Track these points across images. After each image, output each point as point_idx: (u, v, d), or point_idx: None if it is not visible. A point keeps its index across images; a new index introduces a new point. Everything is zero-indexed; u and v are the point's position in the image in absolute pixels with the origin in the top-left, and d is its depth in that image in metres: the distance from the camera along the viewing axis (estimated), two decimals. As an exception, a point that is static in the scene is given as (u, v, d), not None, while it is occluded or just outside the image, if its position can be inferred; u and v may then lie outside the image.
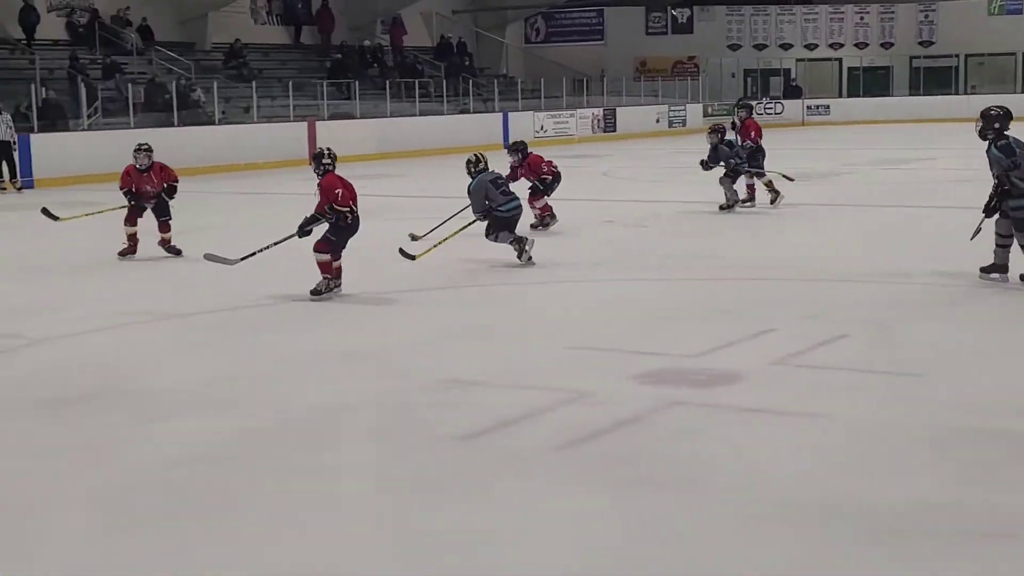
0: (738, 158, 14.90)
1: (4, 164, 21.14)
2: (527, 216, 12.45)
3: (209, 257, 10.35)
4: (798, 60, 43.98)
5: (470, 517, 4.82)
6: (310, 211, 9.72)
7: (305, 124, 27.02)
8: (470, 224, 11.63)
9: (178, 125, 24.71)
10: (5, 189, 20.99)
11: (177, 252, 12.29)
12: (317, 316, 9.16)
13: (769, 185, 15.17)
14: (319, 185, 9.61)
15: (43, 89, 23.66)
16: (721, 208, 15.01)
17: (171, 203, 12.32)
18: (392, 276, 10.65)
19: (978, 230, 9.60)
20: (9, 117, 21.44)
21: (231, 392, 6.84)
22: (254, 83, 27.75)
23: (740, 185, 15.21)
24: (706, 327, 8.35)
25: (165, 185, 12.26)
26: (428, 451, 5.69)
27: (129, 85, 25.01)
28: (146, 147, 12.39)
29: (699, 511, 4.85)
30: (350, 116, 28.97)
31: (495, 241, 11.25)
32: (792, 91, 42.88)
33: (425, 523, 4.76)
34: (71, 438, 6.03)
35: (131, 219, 12.25)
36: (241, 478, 5.37)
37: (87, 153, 22.39)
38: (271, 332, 8.64)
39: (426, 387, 6.82)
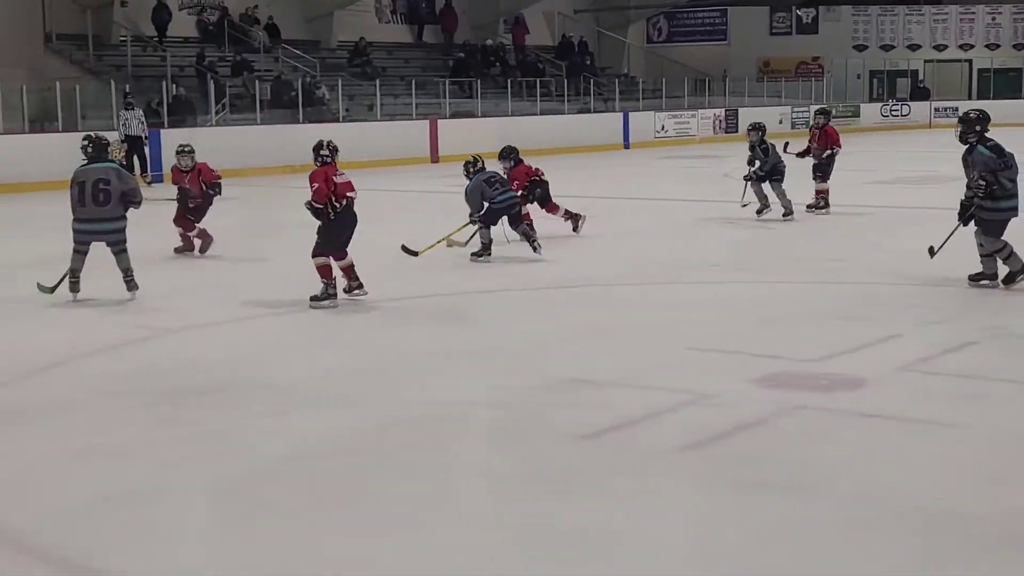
0: (762, 169, 14.24)
1: (135, 158, 21.68)
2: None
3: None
4: (926, 61, 43.06)
5: (590, 516, 4.83)
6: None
7: (427, 122, 27.26)
8: (472, 223, 11.73)
9: (303, 122, 25.09)
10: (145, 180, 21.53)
11: (190, 249, 12.25)
12: (440, 313, 9.24)
13: (822, 193, 14.79)
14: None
15: (174, 86, 24.23)
16: (758, 213, 14.37)
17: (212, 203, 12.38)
18: (513, 275, 10.70)
19: (946, 239, 9.64)
20: (141, 112, 22.00)
21: (355, 387, 6.93)
22: (378, 81, 28.07)
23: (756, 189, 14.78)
24: (828, 330, 8.24)
25: (203, 184, 12.24)
26: (549, 450, 5.71)
27: (256, 82, 25.47)
28: (188, 148, 12.50)
29: (820, 517, 4.80)
30: (471, 115, 29.13)
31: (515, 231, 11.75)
32: (919, 93, 42.01)
33: (545, 521, 4.77)
34: (196, 429, 6.16)
35: (179, 220, 12.29)
36: (363, 473, 5.44)
37: (215, 148, 22.71)
38: (395, 328, 8.73)
39: (548, 386, 6.84)
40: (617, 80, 35.16)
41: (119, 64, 25.62)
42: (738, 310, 9.14)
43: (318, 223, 9.22)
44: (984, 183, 9.22)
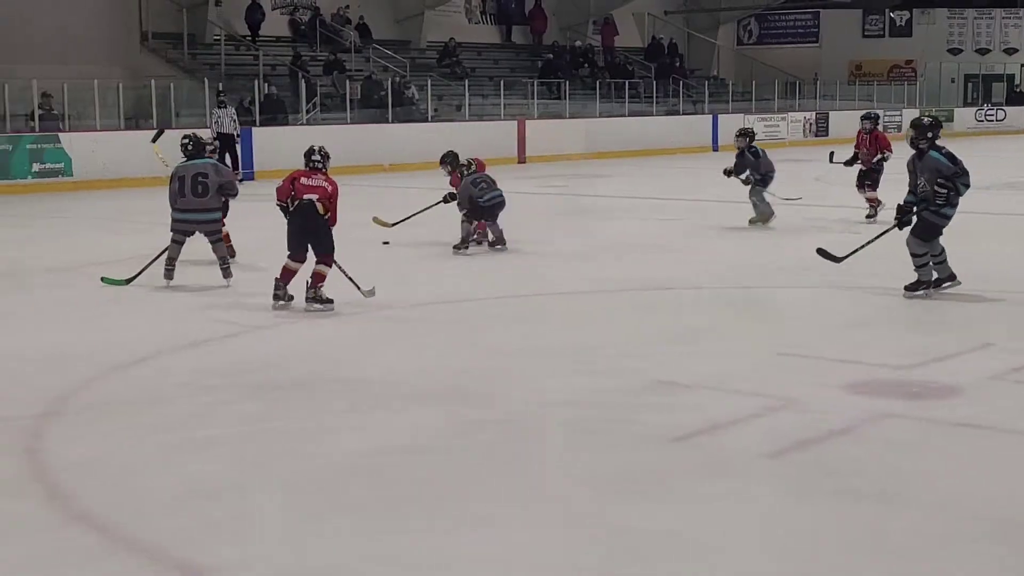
0: (756, 173, 14.03)
1: (227, 156, 21.97)
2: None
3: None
4: (1023, 65, 42.26)
5: (677, 519, 4.79)
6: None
7: (515, 123, 27.32)
8: (440, 204, 12.64)
9: (392, 121, 25.27)
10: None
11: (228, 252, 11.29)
12: (529, 312, 9.25)
13: (872, 201, 14.49)
14: None
15: (266, 84, 24.53)
16: (751, 223, 14.16)
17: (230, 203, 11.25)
18: (599, 277, 10.68)
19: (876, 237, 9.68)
20: (233, 111, 22.30)
21: (440, 386, 6.94)
22: (466, 81, 28.19)
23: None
24: (919, 338, 8.13)
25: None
26: (636, 451, 5.68)
27: (347, 81, 25.68)
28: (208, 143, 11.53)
29: (910, 526, 4.72)
30: (559, 116, 29.15)
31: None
32: (1016, 98, 41.23)
33: (630, 523, 4.75)
34: (282, 425, 6.21)
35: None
36: (449, 469, 5.45)
37: (305, 147, 23.06)
38: (484, 326, 8.76)
39: (636, 387, 6.82)
40: (706, 82, 34.95)
41: (213, 63, 25.99)
42: (828, 315, 9.04)
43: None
44: (944, 191, 9.16)
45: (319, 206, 8.96)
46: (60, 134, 20.58)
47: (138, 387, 7.00)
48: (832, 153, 14.70)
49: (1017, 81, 42.10)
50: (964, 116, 38.92)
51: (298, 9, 29.58)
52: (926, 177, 9.27)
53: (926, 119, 9.59)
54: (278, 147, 22.63)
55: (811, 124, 34.84)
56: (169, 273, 10.08)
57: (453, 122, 27.06)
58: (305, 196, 8.98)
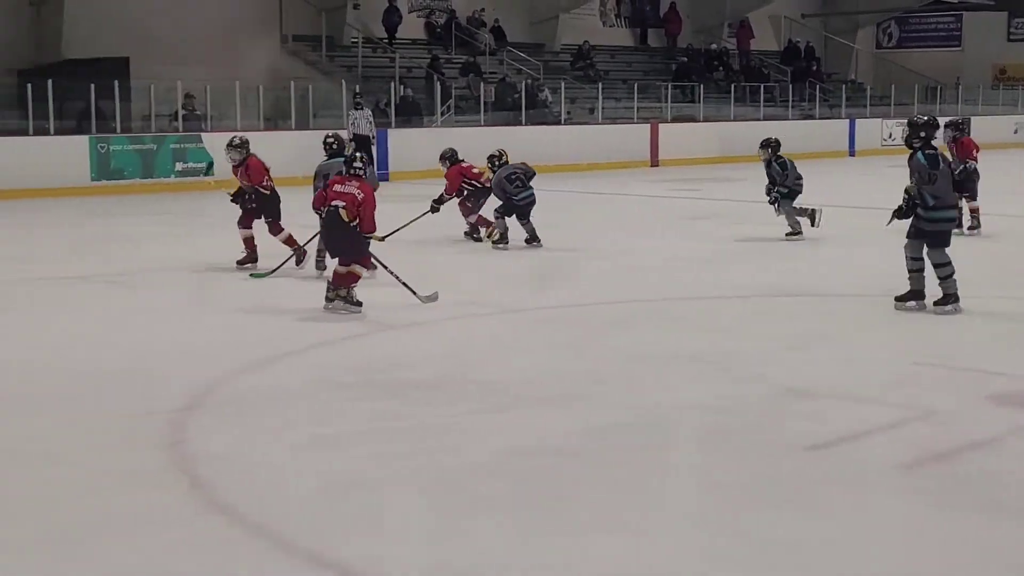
0: (782, 187, 13.33)
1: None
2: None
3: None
4: None
5: (809, 528, 4.73)
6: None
7: (648, 126, 27.21)
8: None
9: (525, 124, 25.36)
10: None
11: (253, 260, 11.24)
12: (658, 315, 9.21)
13: (975, 212, 13.95)
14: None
15: (401, 87, 24.81)
16: (787, 236, 13.50)
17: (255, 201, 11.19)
18: (735, 282, 10.58)
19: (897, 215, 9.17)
20: (370, 112, 22.60)
21: (572, 388, 6.95)
22: (600, 84, 28.16)
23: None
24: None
25: (249, 184, 11.14)
26: (770, 459, 5.61)
27: (481, 84, 25.84)
28: (238, 142, 11.31)
29: (1057, 544, 4.60)
30: (692, 119, 28.95)
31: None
32: None
33: (762, 531, 4.69)
34: (415, 423, 6.28)
35: (245, 220, 11.26)
36: (582, 472, 5.45)
37: (439, 149, 23.24)
38: (614, 329, 8.73)
39: (770, 394, 6.75)
40: (844, 86, 34.40)
41: (350, 65, 26.37)
42: (968, 325, 8.81)
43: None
44: (908, 196, 8.99)
45: (343, 213, 9.00)
46: (202, 134, 21.08)
47: (274, 383, 7.14)
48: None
49: None
50: (1114, 121, 37.63)
51: (434, 12, 29.86)
52: (914, 178, 9.10)
53: (920, 118, 9.30)
54: (413, 149, 22.89)
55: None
56: (320, 264, 10.64)
57: (586, 125, 27.06)
58: (332, 203, 9.07)
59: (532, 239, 12.76)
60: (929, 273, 9.03)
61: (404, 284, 9.29)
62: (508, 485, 5.27)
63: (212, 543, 4.62)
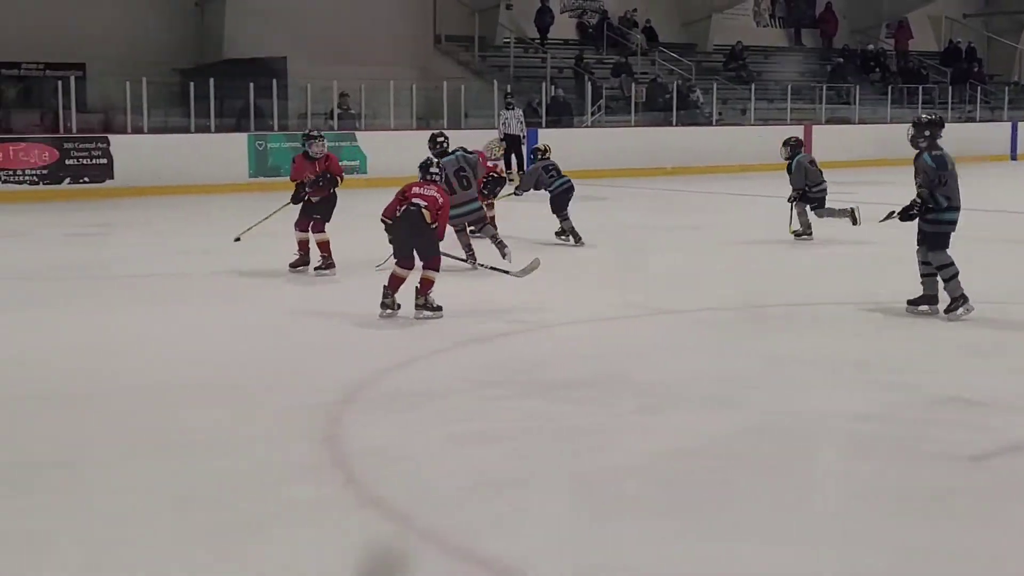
0: (806, 185, 13.18)
1: (513, 156, 22.42)
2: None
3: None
4: None
5: (964, 542, 4.62)
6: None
7: (801, 128, 26.81)
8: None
9: (676, 125, 25.22)
10: (513, 180, 22.24)
11: (304, 263, 11.11)
12: (810, 320, 9.08)
13: None
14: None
15: (553, 87, 24.88)
16: (796, 236, 13.32)
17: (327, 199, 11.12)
18: (888, 288, 10.37)
19: (888, 216, 9.26)
20: (520, 112, 22.74)
21: (725, 390, 6.89)
22: (752, 85, 27.86)
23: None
24: None
25: (326, 174, 10.99)
26: (925, 469, 5.49)
27: (632, 84, 25.78)
28: (317, 135, 11.25)
29: None
30: (847, 121, 28.45)
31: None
32: None
33: (915, 542, 4.60)
34: (566, 422, 6.29)
35: (302, 223, 11.10)
36: (728, 476, 5.41)
37: (588, 149, 23.34)
38: (764, 333, 8.64)
39: (926, 403, 6.60)
40: (1007, 88, 33.40)
41: (502, 65, 26.54)
42: None
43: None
44: (921, 199, 8.74)
45: (426, 213, 8.87)
46: (356, 132, 21.45)
47: (425, 380, 7.23)
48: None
49: None
50: None
51: (586, 12, 29.88)
52: (919, 179, 8.89)
53: (925, 117, 9.11)
54: (563, 149, 22.94)
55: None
56: (471, 258, 10.99)
57: (738, 126, 26.79)
58: (413, 201, 8.92)
59: (570, 234, 12.84)
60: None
61: (494, 268, 9.26)
62: (658, 488, 5.26)
63: (367, 537, 4.70)
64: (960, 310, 8.84)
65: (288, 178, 11.39)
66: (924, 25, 35.65)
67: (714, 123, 26.49)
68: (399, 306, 8.91)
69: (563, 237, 13.09)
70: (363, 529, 4.78)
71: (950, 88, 31.76)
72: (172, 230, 15.19)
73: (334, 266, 11.01)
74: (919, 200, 8.86)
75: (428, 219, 8.87)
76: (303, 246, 11.12)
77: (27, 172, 18.79)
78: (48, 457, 5.68)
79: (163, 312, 9.51)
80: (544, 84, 24.77)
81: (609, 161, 23.00)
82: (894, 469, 5.50)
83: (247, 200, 18.23)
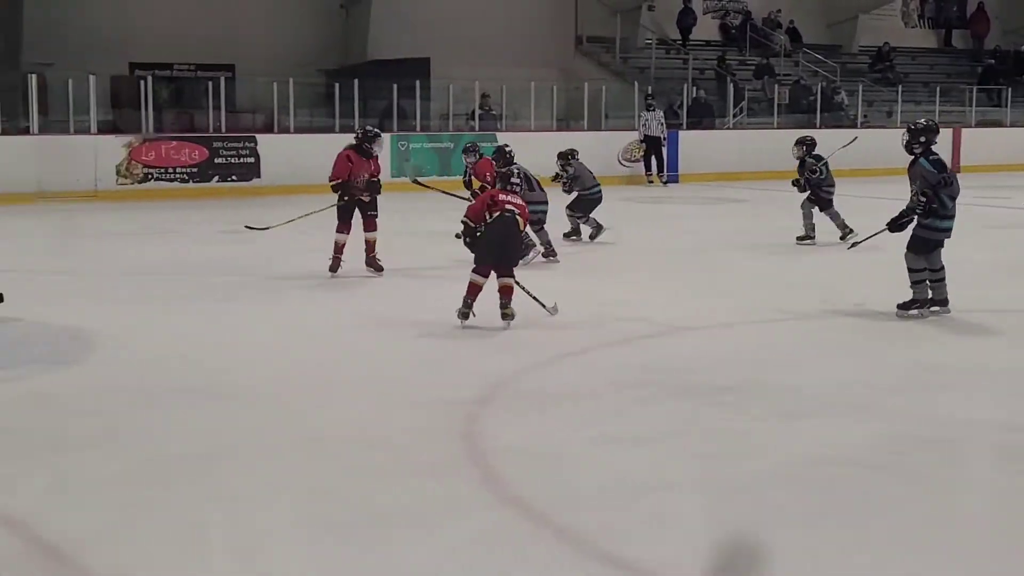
0: (815, 178, 13.09)
1: (653, 158, 22.33)
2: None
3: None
4: None
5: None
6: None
7: (950, 131, 26.18)
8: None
9: (819, 127, 24.82)
10: (652, 182, 22.16)
11: (379, 268, 11.02)
12: (962, 328, 8.85)
13: None
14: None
15: (694, 88, 24.71)
16: (798, 240, 13.16)
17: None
18: (985, 296, 10.11)
19: (868, 237, 9.51)
20: (661, 114, 22.63)
21: (871, 398, 6.75)
22: (899, 87, 27.29)
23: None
24: None
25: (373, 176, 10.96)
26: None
27: (775, 86, 25.47)
28: (378, 132, 11.23)
29: None
30: (999, 124, 27.71)
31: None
32: None
33: None
34: (709, 426, 6.23)
35: (345, 225, 11.04)
36: (875, 486, 5.29)
37: (730, 151, 23.16)
38: (913, 340, 8.43)
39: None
40: None
41: (642, 66, 26.45)
42: None
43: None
44: (924, 200, 8.73)
45: (520, 220, 8.87)
46: (497, 133, 21.55)
47: (564, 380, 7.24)
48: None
49: None
50: None
51: (729, 13, 29.62)
52: (917, 186, 8.74)
53: (920, 123, 9.25)
54: (703, 151, 22.79)
55: None
56: (549, 251, 11.74)
57: (883, 129, 26.25)
58: (507, 207, 8.81)
59: (596, 232, 13.28)
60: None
61: (531, 296, 8.98)
62: (801, 495, 5.17)
63: (504, 536, 4.71)
64: (914, 311, 8.91)
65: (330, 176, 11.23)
66: (1081, 25, 34.52)
67: (858, 125, 26.00)
68: (475, 315, 8.67)
69: (573, 237, 13.50)
70: (499, 528, 4.80)
71: (1110, 90, 30.71)
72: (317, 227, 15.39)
73: (382, 269, 11.00)
74: (922, 199, 8.75)
75: (521, 226, 9.01)
76: (342, 249, 10.95)
77: (178, 170, 19.31)
78: (193, 449, 5.79)
79: (315, 308, 9.74)
80: (685, 85, 24.61)
81: (751, 163, 22.75)
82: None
83: (389, 200, 18.44)
